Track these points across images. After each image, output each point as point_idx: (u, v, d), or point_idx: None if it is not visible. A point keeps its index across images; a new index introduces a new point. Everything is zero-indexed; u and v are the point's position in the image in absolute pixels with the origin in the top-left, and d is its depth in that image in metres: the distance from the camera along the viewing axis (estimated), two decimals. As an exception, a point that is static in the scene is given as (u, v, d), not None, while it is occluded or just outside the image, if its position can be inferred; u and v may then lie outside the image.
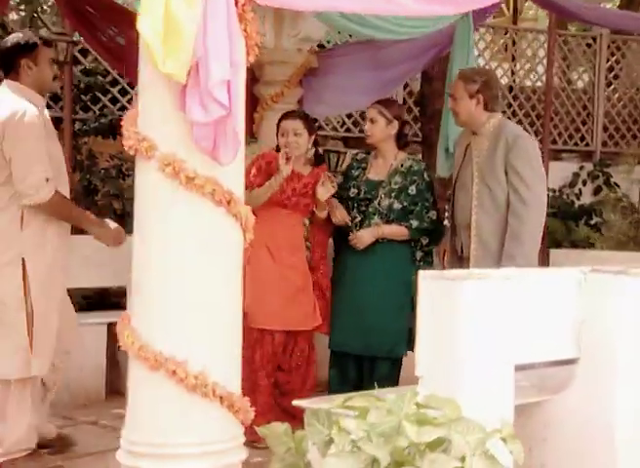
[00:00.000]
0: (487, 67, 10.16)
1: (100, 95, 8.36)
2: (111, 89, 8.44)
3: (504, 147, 4.75)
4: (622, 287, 3.65)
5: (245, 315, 4.96)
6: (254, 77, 7.05)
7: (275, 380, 5.22)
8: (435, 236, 5.27)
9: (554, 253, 6.04)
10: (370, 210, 5.18)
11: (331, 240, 5.46)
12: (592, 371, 3.61)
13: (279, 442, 2.95)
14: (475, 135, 4.94)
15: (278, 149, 5.17)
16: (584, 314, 3.69)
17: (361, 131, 10.57)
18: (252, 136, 7.14)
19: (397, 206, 5.17)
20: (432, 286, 3.30)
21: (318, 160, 5.32)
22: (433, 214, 5.23)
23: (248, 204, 4.96)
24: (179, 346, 3.05)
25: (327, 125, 9.44)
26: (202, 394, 3.02)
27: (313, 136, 5.22)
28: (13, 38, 4.70)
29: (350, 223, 5.20)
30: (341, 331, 5.20)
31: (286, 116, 5.28)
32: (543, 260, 5.97)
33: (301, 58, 6.94)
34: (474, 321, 3.21)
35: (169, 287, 3.06)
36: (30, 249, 4.49)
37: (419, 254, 5.27)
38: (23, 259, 4.46)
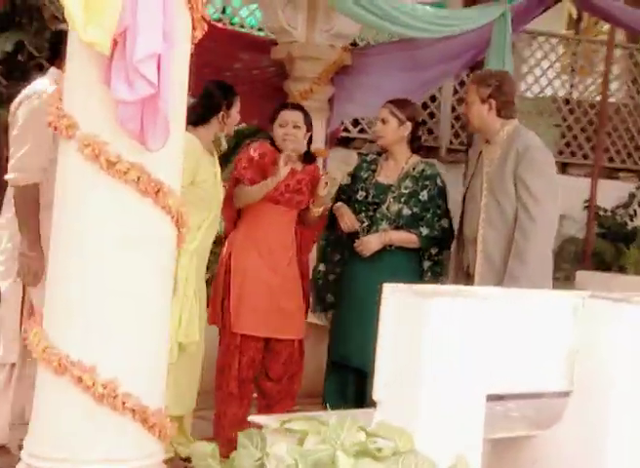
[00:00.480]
0: (543, 78, 9.71)
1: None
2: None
3: (515, 158, 4.36)
4: (621, 315, 3.27)
5: (226, 318, 4.77)
6: (284, 72, 6.78)
7: (261, 390, 4.87)
8: (446, 245, 4.90)
9: (581, 274, 5.56)
10: (377, 215, 4.83)
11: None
12: (585, 406, 3.29)
13: (204, 464, 2.65)
14: (488, 143, 4.54)
15: (272, 141, 4.83)
16: (579, 343, 3.31)
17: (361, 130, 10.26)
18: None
19: (406, 212, 4.80)
20: (397, 301, 2.95)
21: (309, 158, 4.97)
22: (445, 223, 4.86)
23: (237, 199, 4.78)
24: (88, 350, 2.71)
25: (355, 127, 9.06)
26: (110, 405, 2.68)
27: (310, 134, 4.89)
28: (60, 26, 4.64)
29: (360, 229, 4.84)
30: (344, 343, 4.85)
31: (286, 106, 4.96)
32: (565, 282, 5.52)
33: (334, 55, 6.63)
34: (439, 342, 2.86)
35: (83, 282, 2.73)
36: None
37: (426, 264, 4.88)
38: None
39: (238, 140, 8.33)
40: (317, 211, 4.90)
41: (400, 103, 4.92)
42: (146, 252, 2.78)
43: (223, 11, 9.30)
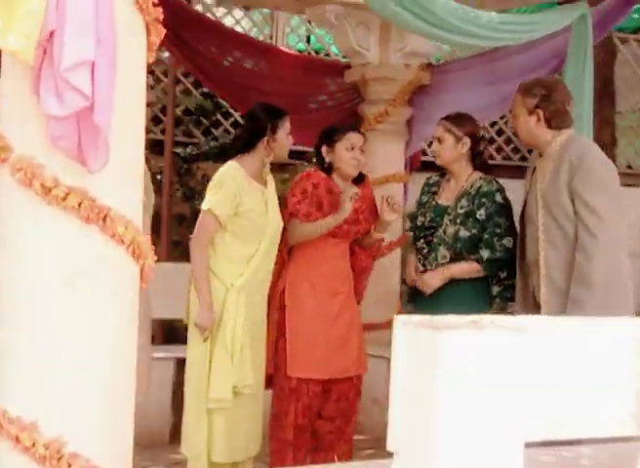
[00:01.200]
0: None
1: (202, 118, 7.89)
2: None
3: (569, 171, 3.85)
4: None
5: (281, 359, 4.36)
6: (359, 96, 6.41)
7: (313, 431, 4.43)
8: (514, 267, 4.36)
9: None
10: (435, 239, 4.38)
11: None
12: None
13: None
14: (541, 156, 4.04)
15: (324, 168, 4.43)
16: None
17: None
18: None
19: (464, 233, 4.33)
20: (408, 335, 2.49)
21: (360, 179, 4.53)
22: (508, 242, 4.32)
23: (291, 236, 4.38)
24: (29, 405, 2.35)
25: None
26: (54, 468, 2.30)
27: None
28: None
29: (418, 262, 4.42)
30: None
31: (353, 128, 4.54)
32: None
33: (410, 75, 6.22)
34: (456, 382, 2.36)
35: (19, 326, 2.37)
36: None
37: (495, 290, 4.37)
38: None
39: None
40: (379, 235, 4.52)
41: (456, 119, 4.49)
42: (96, 289, 2.41)
43: (308, 40, 9.02)
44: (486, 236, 4.31)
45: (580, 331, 2.76)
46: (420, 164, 6.82)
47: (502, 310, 4.31)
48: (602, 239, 3.75)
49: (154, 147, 7.04)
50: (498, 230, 4.33)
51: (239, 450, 4.16)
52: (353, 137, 4.42)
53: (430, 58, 6.68)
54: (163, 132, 7.21)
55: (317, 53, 8.92)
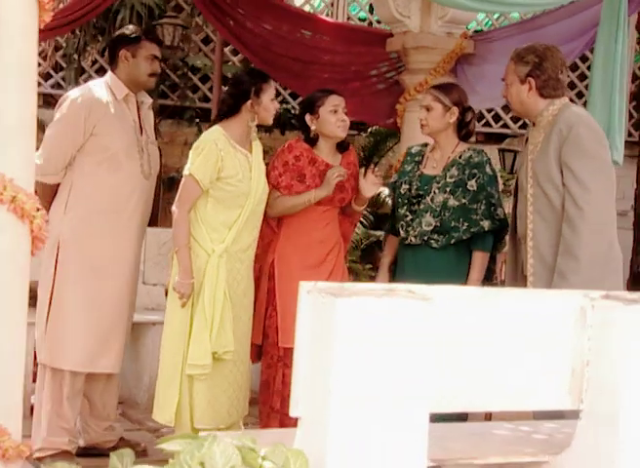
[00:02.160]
0: None
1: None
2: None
3: (558, 140, 3.73)
4: (629, 319, 2.64)
5: (272, 332, 4.35)
6: (401, 65, 6.31)
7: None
8: (501, 238, 4.36)
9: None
10: (421, 207, 4.32)
11: None
12: (594, 430, 2.67)
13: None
14: (534, 126, 3.91)
15: (308, 139, 4.38)
16: (589, 354, 2.72)
17: (504, 125, 9.45)
18: (396, 128, 6.43)
19: (453, 203, 4.27)
20: (311, 302, 2.49)
21: (343, 146, 4.47)
22: (501, 213, 4.31)
23: (271, 208, 4.31)
24: None
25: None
26: None
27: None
28: (120, 30, 4.79)
29: (402, 227, 4.38)
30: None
31: (330, 92, 4.41)
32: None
33: (451, 43, 6.09)
34: (354, 349, 2.39)
35: None
36: (70, 233, 4.31)
37: None
38: (59, 244, 4.31)
39: (376, 141, 7.94)
40: (359, 208, 4.47)
41: (445, 88, 4.45)
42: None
43: (371, 10, 8.91)
44: (482, 207, 4.26)
45: (496, 304, 2.70)
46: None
47: (487, 281, 4.25)
48: (588, 211, 3.63)
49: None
50: (492, 200, 4.29)
51: (222, 417, 4.17)
52: (335, 99, 4.34)
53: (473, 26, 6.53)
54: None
55: (379, 22, 8.82)
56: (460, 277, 4.18)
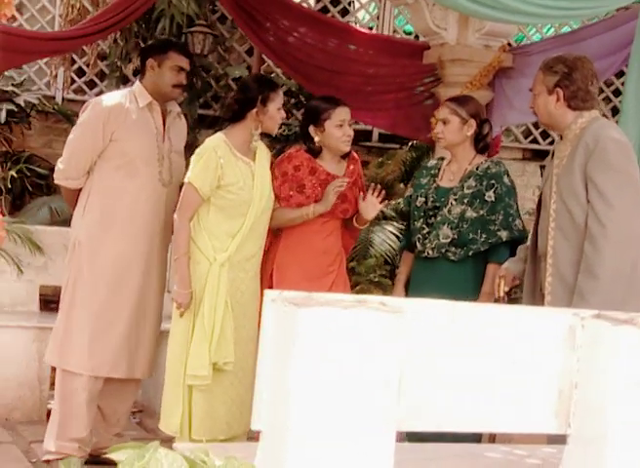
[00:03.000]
0: None
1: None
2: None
3: (584, 154, 3.54)
4: (619, 340, 2.47)
5: None
6: (438, 78, 6.19)
7: None
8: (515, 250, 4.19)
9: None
10: (438, 219, 4.20)
11: None
12: (581, 454, 2.50)
13: None
14: (561, 140, 3.76)
15: (310, 150, 4.27)
16: (578, 375, 2.56)
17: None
18: (432, 143, 6.31)
19: (470, 214, 4.15)
20: (275, 311, 2.37)
21: (345, 154, 4.33)
22: (520, 224, 4.19)
23: (272, 220, 4.16)
24: None
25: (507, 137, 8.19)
26: None
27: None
28: (154, 41, 4.92)
29: (418, 240, 4.27)
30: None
31: (337, 103, 4.24)
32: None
33: (489, 57, 5.95)
34: (315, 361, 2.22)
35: None
36: (85, 236, 4.30)
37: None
38: (77, 245, 4.32)
39: (417, 156, 7.82)
40: (362, 228, 4.40)
41: (462, 100, 4.33)
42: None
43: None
44: (500, 218, 4.15)
45: (474, 320, 2.54)
46: (498, 150, 6.53)
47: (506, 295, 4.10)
48: (611, 228, 3.45)
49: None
50: (511, 211, 4.18)
51: (220, 429, 4.06)
52: (342, 113, 4.20)
53: (510, 40, 6.39)
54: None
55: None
56: (478, 290, 4.06)
